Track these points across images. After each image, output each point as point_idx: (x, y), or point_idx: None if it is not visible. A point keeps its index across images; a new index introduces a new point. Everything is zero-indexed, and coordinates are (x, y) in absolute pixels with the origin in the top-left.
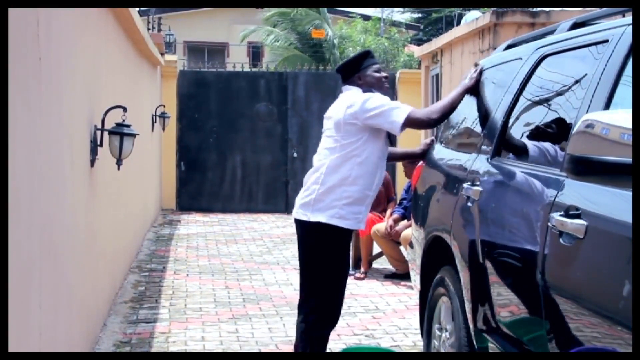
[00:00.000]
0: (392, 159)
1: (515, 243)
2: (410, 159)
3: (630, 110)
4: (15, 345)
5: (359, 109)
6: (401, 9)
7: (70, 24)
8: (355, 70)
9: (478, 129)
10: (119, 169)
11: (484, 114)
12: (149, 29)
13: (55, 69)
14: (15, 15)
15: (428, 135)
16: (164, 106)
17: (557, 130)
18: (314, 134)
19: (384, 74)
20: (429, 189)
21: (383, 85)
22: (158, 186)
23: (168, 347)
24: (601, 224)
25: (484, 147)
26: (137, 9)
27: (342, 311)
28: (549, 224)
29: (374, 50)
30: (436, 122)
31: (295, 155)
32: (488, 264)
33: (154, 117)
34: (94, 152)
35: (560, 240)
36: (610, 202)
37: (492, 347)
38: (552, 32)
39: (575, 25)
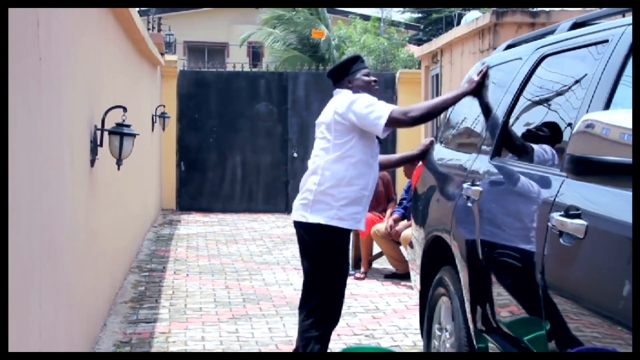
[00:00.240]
0: (391, 165)
1: (515, 243)
2: (409, 162)
3: (630, 110)
4: (15, 345)
5: (346, 109)
6: (401, 9)
7: (70, 24)
8: (344, 74)
9: (478, 129)
10: (119, 169)
11: (483, 114)
12: (149, 29)
13: (55, 69)
14: (15, 15)
15: (428, 135)
16: (164, 106)
17: (557, 131)
18: (314, 134)
19: (373, 78)
20: (429, 189)
21: (372, 88)
22: (158, 186)
23: (168, 347)
24: (601, 224)
25: (484, 147)
26: (137, 9)
27: (342, 311)
28: (549, 224)
29: (374, 49)
30: (417, 121)
31: (295, 155)
32: (488, 264)
33: (154, 117)
34: (94, 152)
35: (560, 240)
36: (610, 202)
37: (492, 347)
38: (552, 32)
39: (575, 25)
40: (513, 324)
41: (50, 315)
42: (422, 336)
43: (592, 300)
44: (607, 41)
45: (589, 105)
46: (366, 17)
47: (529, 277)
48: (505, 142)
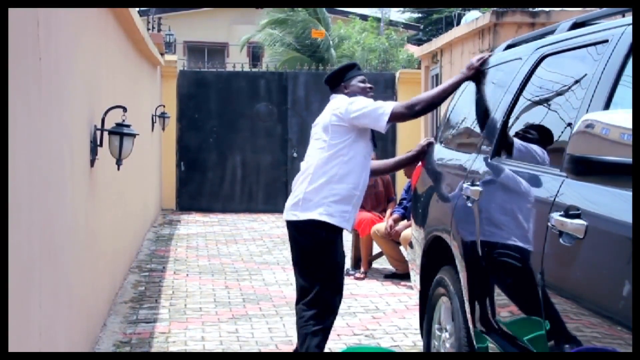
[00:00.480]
0: (388, 170)
1: (515, 243)
2: (405, 166)
3: (630, 110)
4: (15, 345)
5: (345, 110)
6: (401, 9)
7: (70, 24)
8: (340, 80)
9: (478, 129)
10: (118, 169)
11: (484, 114)
12: (149, 29)
13: (55, 69)
14: (15, 15)
15: (428, 134)
16: (164, 106)
17: (557, 131)
18: None
19: (368, 85)
20: (429, 189)
21: (367, 94)
22: (158, 186)
23: (168, 347)
24: (601, 224)
25: (484, 147)
26: (137, 9)
27: (342, 311)
28: (549, 224)
29: (374, 49)
30: (420, 112)
31: (295, 155)
32: (488, 264)
33: (154, 117)
34: (94, 152)
35: (560, 240)
36: (610, 202)
37: (492, 347)
38: (552, 32)
39: (575, 25)
40: (513, 324)
41: (50, 315)
42: (422, 336)
43: (592, 300)
44: (607, 41)
45: (589, 105)
46: (364, 17)
47: (529, 277)
48: (505, 142)
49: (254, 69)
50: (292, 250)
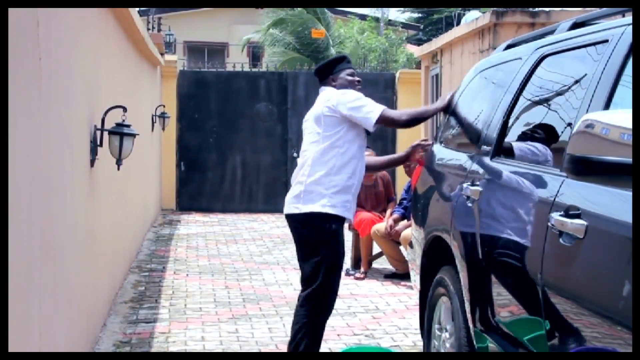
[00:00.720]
0: (377, 167)
1: (515, 243)
2: (395, 165)
3: (630, 110)
4: (15, 345)
5: (337, 102)
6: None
7: (70, 24)
8: (329, 72)
9: (478, 129)
10: (118, 169)
11: (484, 114)
12: (149, 29)
13: (55, 69)
14: (15, 15)
15: (428, 135)
16: (164, 106)
17: (557, 130)
18: None
19: (357, 78)
20: (429, 189)
21: (355, 87)
22: (158, 186)
23: (168, 347)
24: (601, 224)
25: (484, 147)
26: (137, 9)
27: (342, 311)
28: (549, 223)
29: (374, 49)
30: (405, 124)
31: (295, 155)
32: (488, 264)
33: (154, 117)
34: (94, 152)
35: (560, 240)
36: (610, 202)
37: (492, 347)
38: (552, 32)
39: (575, 25)
40: (513, 324)
41: (50, 315)
42: (422, 336)
43: (592, 300)
44: (607, 41)
45: (589, 105)
46: (363, 17)
47: (529, 277)
48: (505, 142)
49: (254, 69)
50: (295, 242)
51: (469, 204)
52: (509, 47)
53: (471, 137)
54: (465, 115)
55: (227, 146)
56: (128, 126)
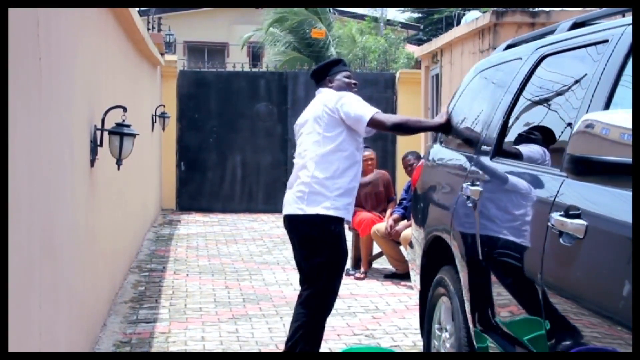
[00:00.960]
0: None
1: (515, 243)
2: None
3: (630, 110)
4: (15, 345)
5: (335, 103)
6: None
7: (70, 24)
8: (325, 74)
9: (478, 129)
10: (119, 169)
11: (484, 114)
12: (149, 29)
13: (55, 69)
14: (15, 15)
15: (429, 136)
16: (164, 106)
17: (557, 131)
18: None
19: (353, 81)
20: (429, 189)
21: (352, 90)
22: (158, 186)
23: (168, 347)
24: (601, 224)
25: (484, 147)
26: (137, 9)
27: (342, 311)
28: (549, 223)
29: (374, 49)
30: (395, 127)
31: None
32: (488, 264)
33: (154, 117)
34: (94, 152)
35: (560, 240)
36: (610, 202)
37: (492, 347)
38: (552, 32)
39: (575, 25)
40: (513, 324)
41: (50, 315)
42: (422, 336)
43: (592, 300)
44: (607, 41)
45: (589, 105)
46: (362, 17)
47: (529, 277)
48: (505, 142)
49: (254, 69)
50: (297, 243)
51: (469, 204)
52: (509, 47)
53: (471, 137)
54: (465, 115)
55: (227, 146)
56: (128, 126)
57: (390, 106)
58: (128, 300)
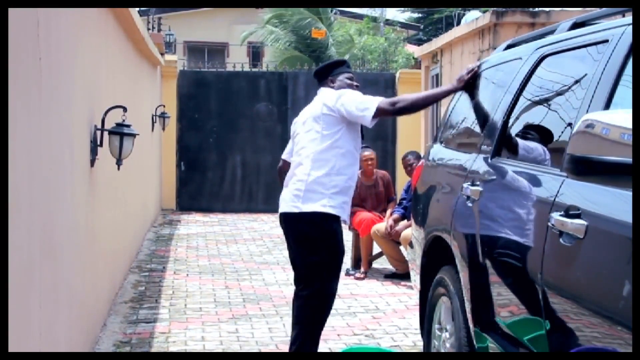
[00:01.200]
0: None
1: (515, 243)
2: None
3: (630, 110)
4: (15, 345)
5: (335, 101)
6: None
7: (70, 24)
8: (328, 74)
9: (478, 129)
10: (119, 169)
11: (484, 114)
12: (149, 29)
13: (55, 69)
14: (15, 15)
15: (429, 136)
16: (164, 106)
17: (557, 130)
18: None
19: (355, 83)
20: (429, 189)
21: (353, 90)
22: (158, 186)
23: (168, 347)
24: (601, 224)
25: (484, 147)
26: (137, 9)
27: (342, 311)
28: (549, 223)
29: (374, 50)
30: (404, 110)
31: None
32: (488, 264)
33: (154, 117)
34: (94, 152)
35: (560, 240)
36: (610, 202)
37: (492, 347)
38: (552, 32)
39: (575, 25)
40: (513, 324)
41: (50, 315)
42: (422, 336)
43: (592, 300)
44: (607, 41)
45: (589, 105)
46: (360, 17)
47: (529, 277)
48: (505, 142)
49: (254, 69)
50: (292, 241)
51: (469, 204)
52: (509, 47)
53: (471, 137)
54: (465, 115)
55: (227, 146)
56: (128, 126)
57: None
58: (128, 300)
